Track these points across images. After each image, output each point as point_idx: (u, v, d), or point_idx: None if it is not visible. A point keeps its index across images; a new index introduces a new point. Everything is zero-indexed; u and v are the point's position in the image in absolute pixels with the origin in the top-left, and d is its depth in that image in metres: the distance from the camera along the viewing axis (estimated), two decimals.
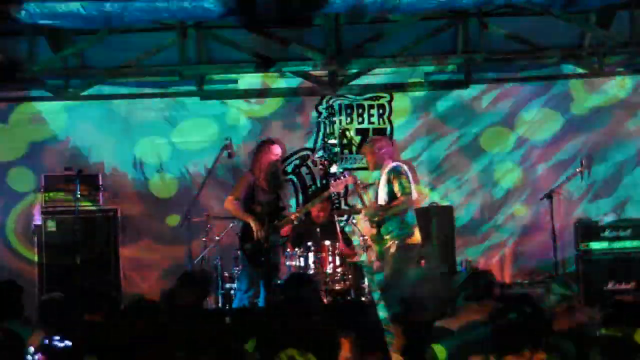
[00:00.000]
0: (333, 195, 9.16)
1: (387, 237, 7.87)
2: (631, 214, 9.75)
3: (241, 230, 8.58)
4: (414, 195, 7.95)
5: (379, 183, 8.09)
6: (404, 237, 7.87)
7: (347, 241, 9.05)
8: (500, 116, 10.07)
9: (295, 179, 10.06)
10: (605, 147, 9.95)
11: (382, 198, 7.97)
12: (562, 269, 9.29)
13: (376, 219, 7.92)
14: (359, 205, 8.37)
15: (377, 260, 8.27)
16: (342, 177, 8.36)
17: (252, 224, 8.34)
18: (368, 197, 8.24)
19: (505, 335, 4.07)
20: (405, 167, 8.00)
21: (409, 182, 7.84)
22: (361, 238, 8.76)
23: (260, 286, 8.37)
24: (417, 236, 7.94)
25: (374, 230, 8.03)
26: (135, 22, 7.94)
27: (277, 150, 8.60)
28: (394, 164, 8.04)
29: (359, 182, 8.42)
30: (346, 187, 9.04)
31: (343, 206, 9.91)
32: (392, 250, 7.82)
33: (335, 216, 9.13)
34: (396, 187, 7.80)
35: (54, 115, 9.94)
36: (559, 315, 5.24)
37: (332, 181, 8.49)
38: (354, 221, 9.30)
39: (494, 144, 10.07)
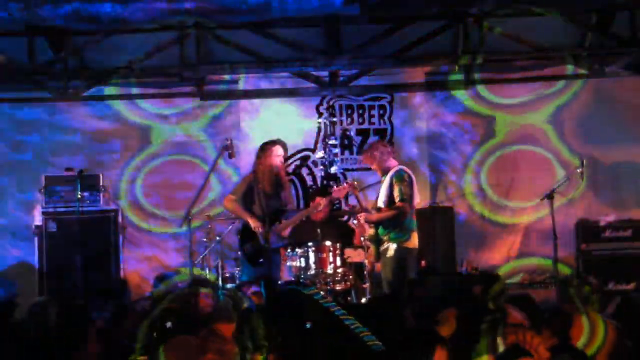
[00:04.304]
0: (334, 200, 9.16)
1: (385, 238, 7.89)
2: (631, 214, 9.75)
3: (241, 230, 8.56)
4: (415, 201, 7.97)
5: (383, 181, 8.12)
6: (402, 241, 7.89)
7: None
8: (501, 116, 10.07)
9: (296, 180, 10.04)
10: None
11: (382, 199, 8.00)
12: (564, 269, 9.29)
13: (373, 220, 7.96)
14: (358, 206, 8.39)
15: (376, 262, 8.27)
16: (344, 184, 8.50)
17: (251, 222, 8.31)
18: (364, 199, 8.33)
19: None
20: (409, 172, 8.02)
21: (410, 189, 7.87)
22: (362, 238, 8.76)
23: (261, 287, 8.34)
24: (414, 241, 7.98)
25: (372, 231, 8.05)
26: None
27: (279, 150, 8.58)
28: (398, 167, 8.07)
29: (356, 185, 8.47)
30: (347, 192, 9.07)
31: (343, 207, 9.90)
32: (390, 253, 7.85)
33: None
34: (396, 192, 7.84)
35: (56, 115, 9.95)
36: None
37: (335, 187, 8.63)
38: (355, 222, 9.28)
39: (494, 144, 10.07)
